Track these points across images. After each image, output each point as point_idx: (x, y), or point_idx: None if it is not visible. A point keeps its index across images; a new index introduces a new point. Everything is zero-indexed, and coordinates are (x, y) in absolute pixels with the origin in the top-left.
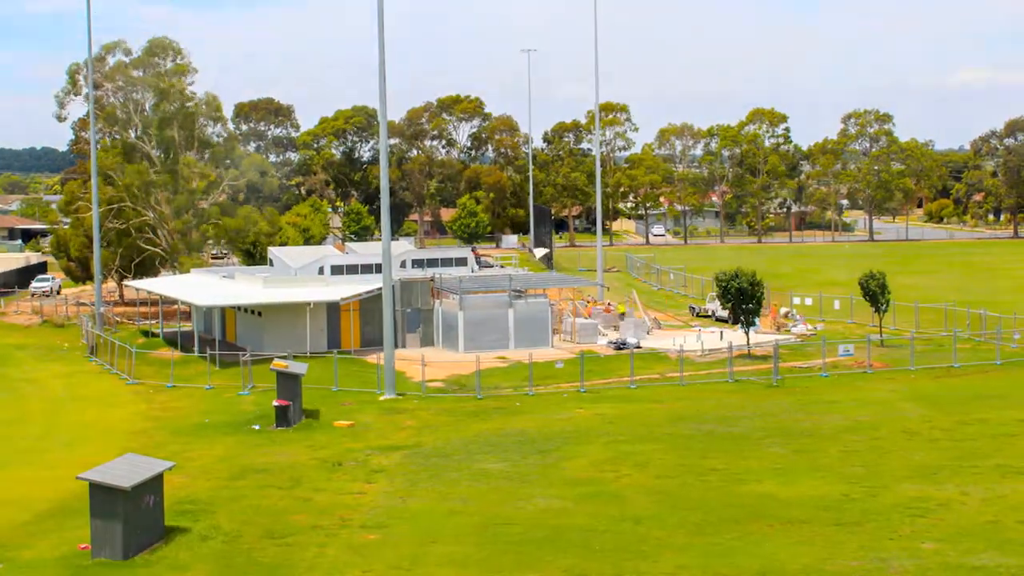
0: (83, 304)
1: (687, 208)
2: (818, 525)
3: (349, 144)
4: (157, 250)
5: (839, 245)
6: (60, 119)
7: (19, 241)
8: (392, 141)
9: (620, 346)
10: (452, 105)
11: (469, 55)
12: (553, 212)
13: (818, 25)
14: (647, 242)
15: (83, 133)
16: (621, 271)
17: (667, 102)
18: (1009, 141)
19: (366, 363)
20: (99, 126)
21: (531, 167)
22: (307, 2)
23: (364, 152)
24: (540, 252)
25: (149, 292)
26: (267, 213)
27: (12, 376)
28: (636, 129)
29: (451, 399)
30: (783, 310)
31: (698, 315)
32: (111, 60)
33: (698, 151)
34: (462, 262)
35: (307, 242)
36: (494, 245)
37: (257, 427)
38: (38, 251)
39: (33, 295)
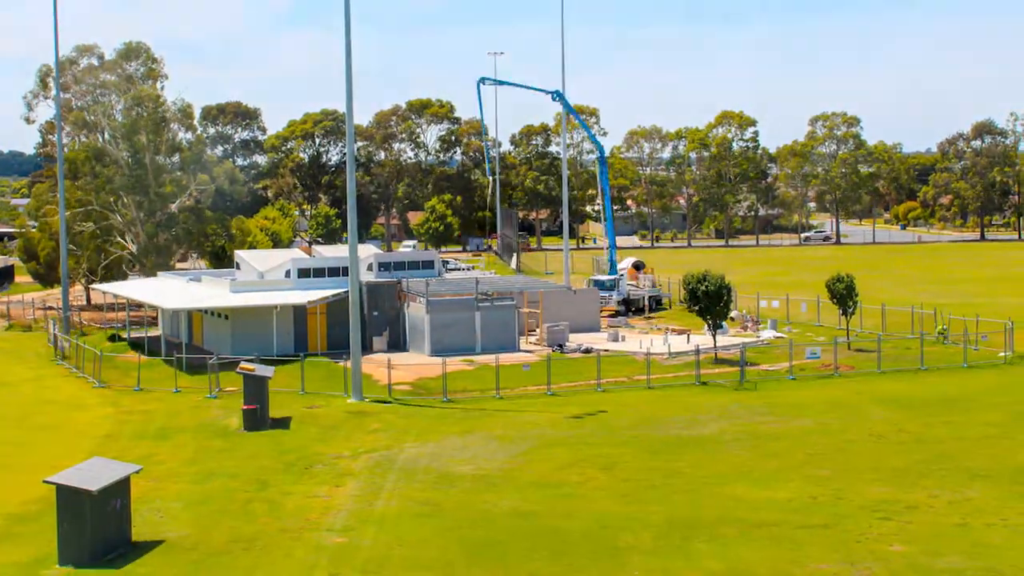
0: (50, 308)
1: (654, 211)
2: (785, 528)
3: (317, 147)
4: (125, 254)
5: (812, 247)
6: (28, 121)
7: None
8: (360, 144)
9: (586, 350)
10: (421, 108)
11: (439, 57)
12: (520, 215)
13: (790, 28)
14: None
15: (51, 136)
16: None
17: (636, 104)
18: (976, 144)
19: (333, 366)
20: (68, 129)
21: (498, 170)
22: (273, 4)
23: (332, 155)
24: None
25: (116, 296)
26: (236, 221)
27: None
28: (605, 133)
29: (418, 402)
30: (733, 313)
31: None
32: (83, 63)
33: (666, 154)
34: (429, 265)
35: (275, 245)
36: (461, 248)
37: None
38: (5, 254)
39: None
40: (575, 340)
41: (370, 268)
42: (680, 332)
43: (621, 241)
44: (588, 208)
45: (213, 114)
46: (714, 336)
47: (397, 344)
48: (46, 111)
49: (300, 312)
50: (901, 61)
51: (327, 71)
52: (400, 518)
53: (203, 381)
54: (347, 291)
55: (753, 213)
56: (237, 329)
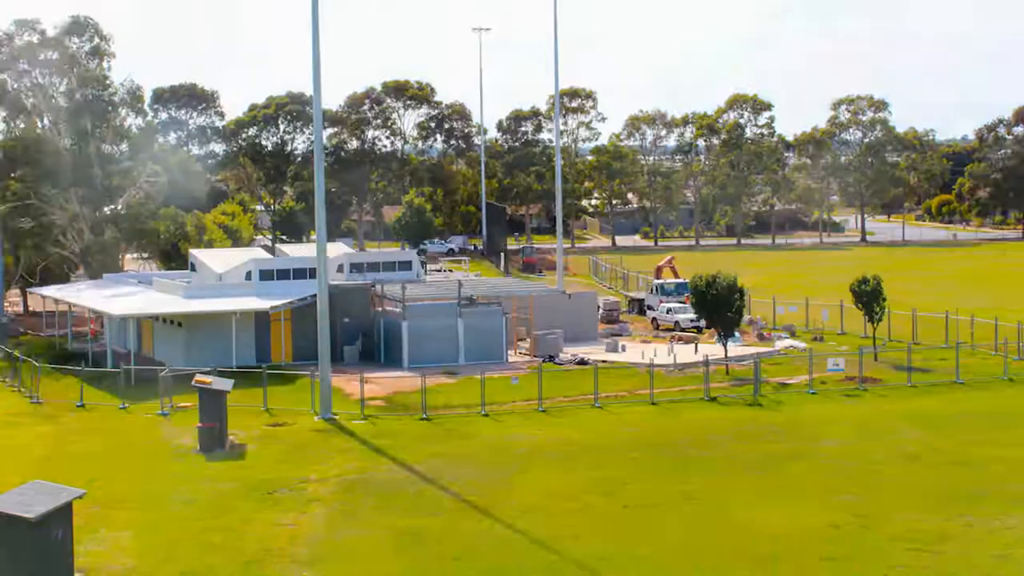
0: None
1: (658, 206)
2: (805, 560)
3: (281, 134)
4: (67, 253)
5: (836, 249)
6: None
7: None
8: (329, 131)
9: (582, 361)
10: (398, 91)
11: (418, 35)
12: (509, 210)
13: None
14: (613, 244)
15: None
16: (581, 275)
17: (637, 87)
18: (1018, 130)
19: (299, 379)
20: (3, 114)
21: (484, 160)
22: None
23: (298, 143)
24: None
25: (57, 301)
26: (193, 216)
27: None
28: (603, 119)
29: (394, 420)
30: (746, 318)
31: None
32: (21, 39)
33: (671, 142)
34: (406, 266)
35: (234, 244)
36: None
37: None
38: None
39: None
40: (569, 350)
41: (340, 269)
42: (687, 341)
43: (621, 240)
44: (584, 203)
45: (165, 97)
46: (725, 346)
47: (371, 355)
48: None
49: (262, 319)
50: (934, 36)
51: (293, 49)
52: (375, 549)
53: (154, 396)
54: (315, 295)
55: (769, 208)
56: (192, 338)
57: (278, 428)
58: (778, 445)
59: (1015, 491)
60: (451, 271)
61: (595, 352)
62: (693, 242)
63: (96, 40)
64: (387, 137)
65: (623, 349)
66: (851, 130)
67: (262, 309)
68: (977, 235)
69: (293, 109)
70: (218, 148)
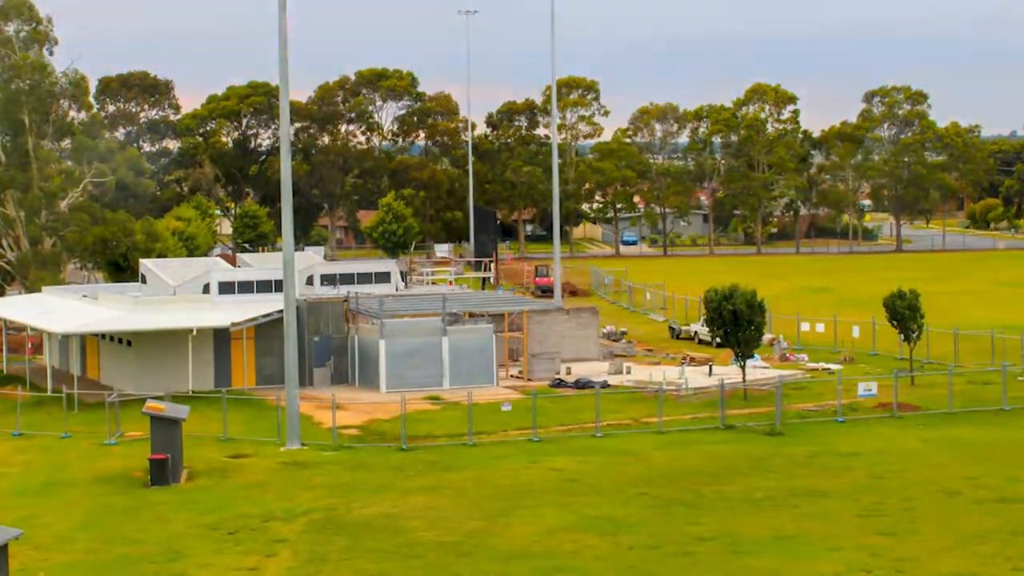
0: None
1: (668, 210)
2: None
3: (244, 130)
4: (1, 263)
5: (869, 258)
6: None
7: None
8: (298, 125)
9: (583, 384)
10: (375, 80)
11: (397, 20)
12: (500, 215)
13: None
14: (617, 252)
15: None
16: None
17: (644, 77)
18: None
19: (263, 405)
20: None
21: (471, 158)
22: None
23: (263, 139)
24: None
25: None
26: (144, 222)
27: None
28: (606, 113)
29: (370, 451)
30: (767, 337)
31: (679, 337)
32: None
33: (683, 138)
34: (384, 278)
35: (190, 253)
36: (425, 256)
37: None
38: None
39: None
40: (568, 372)
41: (310, 282)
42: (701, 362)
43: (626, 249)
44: (585, 206)
45: (113, 87)
46: (743, 367)
47: (344, 377)
48: None
49: (222, 337)
50: (976, 18)
51: (256, 34)
52: None
53: (100, 424)
54: (281, 311)
55: (792, 213)
56: (143, 358)
57: (239, 460)
58: (802, 480)
59: None
60: (434, 283)
61: (597, 374)
62: (707, 251)
63: (33, 23)
64: (363, 133)
65: (629, 371)
66: (885, 125)
67: (221, 326)
68: None
69: (256, 101)
70: (173, 145)
